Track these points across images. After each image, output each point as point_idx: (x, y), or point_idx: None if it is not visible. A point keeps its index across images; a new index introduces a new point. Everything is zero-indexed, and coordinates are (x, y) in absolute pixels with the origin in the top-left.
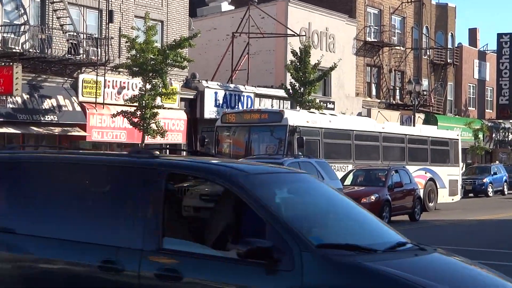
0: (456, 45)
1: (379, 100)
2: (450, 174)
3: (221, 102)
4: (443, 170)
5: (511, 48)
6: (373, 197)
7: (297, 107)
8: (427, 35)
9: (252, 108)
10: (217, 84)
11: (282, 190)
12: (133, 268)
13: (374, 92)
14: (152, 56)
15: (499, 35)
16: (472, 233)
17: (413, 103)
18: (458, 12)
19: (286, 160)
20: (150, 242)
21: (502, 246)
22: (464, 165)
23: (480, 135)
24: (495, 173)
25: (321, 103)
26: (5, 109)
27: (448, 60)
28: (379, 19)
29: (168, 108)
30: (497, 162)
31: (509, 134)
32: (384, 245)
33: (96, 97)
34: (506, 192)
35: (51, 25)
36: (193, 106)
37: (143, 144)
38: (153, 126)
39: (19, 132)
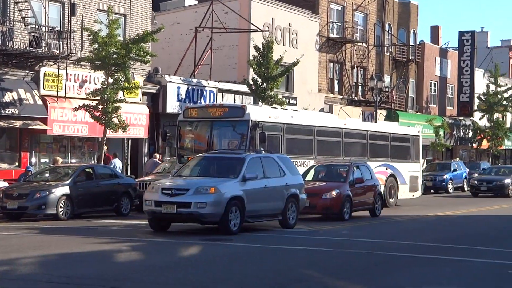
0: (418, 43)
1: (341, 96)
2: (411, 170)
3: (183, 96)
4: (404, 166)
5: (472, 46)
6: (334, 193)
7: (260, 102)
8: (389, 32)
9: (215, 103)
10: (180, 79)
11: None
12: None
13: (336, 88)
14: (114, 50)
15: (461, 33)
16: (431, 228)
17: (375, 99)
18: (420, 10)
19: (248, 155)
20: None
21: (459, 242)
22: (425, 162)
23: (441, 132)
24: (455, 170)
25: (284, 98)
26: None
27: (410, 57)
28: (342, 16)
29: (130, 102)
30: (457, 158)
31: (470, 131)
32: None
33: (57, 91)
34: (466, 189)
35: (12, 18)
36: (155, 101)
37: (105, 138)
38: (115, 120)
39: None
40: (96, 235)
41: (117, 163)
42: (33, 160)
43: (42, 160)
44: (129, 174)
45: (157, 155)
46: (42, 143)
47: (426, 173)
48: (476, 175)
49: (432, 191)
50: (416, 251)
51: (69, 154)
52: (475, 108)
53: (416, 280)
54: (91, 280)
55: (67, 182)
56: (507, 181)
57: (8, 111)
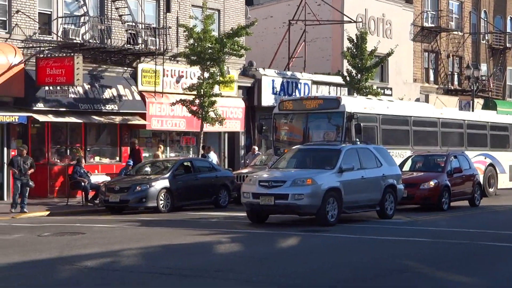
0: None
1: (437, 86)
2: (511, 159)
3: (278, 89)
4: (503, 155)
5: None
6: (432, 183)
7: (354, 93)
8: (485, 19)
9: (310, 95)
10: (274, 72)
11: None
12: None
13: (432, 78)
14: (209, 45)
15: None
16: None
17: (472, 88)
18: None
19: (344, 146)
20: None
21: None
22: None
23: None
24: None
25: (378, 89)
26: (67, 99)
27: (507, 45)
28: (436, 4)
29: (226, 96)
30: None
31: None
32: None
33: (155, 86)
34: None
35: (110, 16)
36: (250, 94)
37: (202, 132)
38: (212, 114)
39: (81, 121)
40: (196, 227)
41: (213, 157)
42: None
43: (142, 155)
44: (226, 167)
45: (256, 148)
46: (142, 137)
47: None
48: None
49: None
50: None
51: (168, 148)
52: None
53: None
54: (193, 271)
55: (167, 175)
56: None
57: (108, 107)
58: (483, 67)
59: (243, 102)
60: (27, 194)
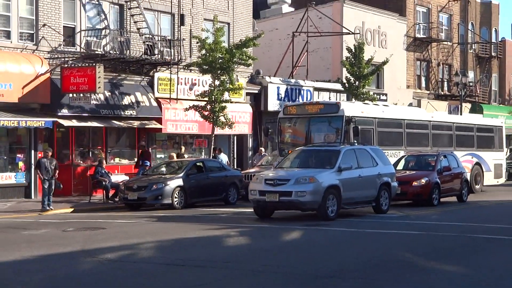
0: (499, 40)
1: (428, 92)
2: (495, 158)
3: (283, 95)
4: (488, 155)
5: None
6: (423, 181)
7: (353, 99)
8: (472, 30)
9: (311, 100)
10: (279, 80)
11: None
12: None
13: (423, 84)
14: (220, 55)
15: None
16: None
17: (460, 93)
18: (501, 9)
19: (343, 147)
20: None
21: None
22: (508, 150)
23: None
24: None
25: (375, 95)
26: (89, 105)
27: (492, 54)
28: (427, 17)
29: (235, 102)
30: None
31: None
32: None
33: (170, 93)
34: None
35: (129, 29)
36: (257, 100)
37: (213, 135)
38: (222, 118)
39: (102, 125)
40: (207, 222)
41: (223, 158)
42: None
43: (158, 156)
44: (235, 167)
45: (262, 149)
46: (158, 140)
47: (510, 160)
48: None
49: None
50: (504, 233)
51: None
52: None
53: (506, 260)
54: (204, 262)
55: (181, 175)
56: None
57: (127, 112)
58: (471, 74)
59: (250, 107)
60: (52, 193)
